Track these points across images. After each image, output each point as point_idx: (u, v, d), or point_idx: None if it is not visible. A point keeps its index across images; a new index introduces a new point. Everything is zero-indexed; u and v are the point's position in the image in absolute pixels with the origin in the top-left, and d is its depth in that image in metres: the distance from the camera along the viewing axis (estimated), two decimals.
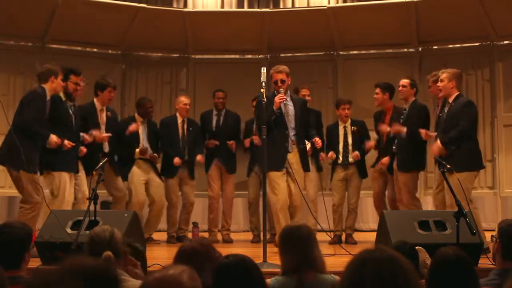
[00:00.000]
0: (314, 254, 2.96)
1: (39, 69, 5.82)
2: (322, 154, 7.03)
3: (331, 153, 7.03)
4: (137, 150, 7.02)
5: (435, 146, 5.97)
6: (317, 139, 5.91)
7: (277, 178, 5.90)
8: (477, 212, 5.66)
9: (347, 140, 7.11)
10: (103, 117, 6.69)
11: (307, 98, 6.92)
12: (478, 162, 5.89)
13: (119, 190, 6.76)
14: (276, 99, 5.78)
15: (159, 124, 7.42)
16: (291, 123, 5.90)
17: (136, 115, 7.22)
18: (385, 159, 6.68)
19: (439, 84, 5.95)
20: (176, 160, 7.15)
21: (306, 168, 6.15)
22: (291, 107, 5.94)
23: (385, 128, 6.59)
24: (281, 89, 5.72)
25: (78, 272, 1.47)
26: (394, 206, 6.74)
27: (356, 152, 7.02)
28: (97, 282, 1.50)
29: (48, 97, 5.68)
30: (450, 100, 5.85)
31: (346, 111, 7.11)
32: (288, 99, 5.94)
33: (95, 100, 6.66)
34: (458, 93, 5.86)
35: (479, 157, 5.93)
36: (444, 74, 5.88)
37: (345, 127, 7.16)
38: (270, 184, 5.89)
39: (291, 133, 5.92)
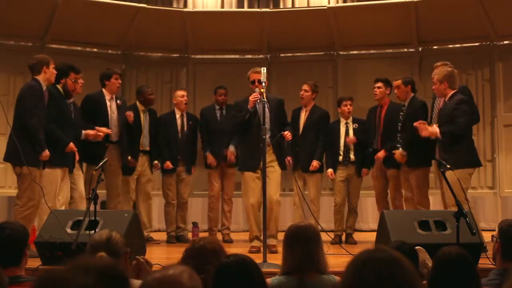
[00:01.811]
0: (318, 254, 2.97)
1: (30, 61, 5.78)
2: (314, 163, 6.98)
3: (330, 171, 7.05)
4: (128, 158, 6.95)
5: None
6: (287, 132, 5.95)
7: (251, 181, 6.08)
8: (473, 212, 5.64)
9: (348, 137, 7.10)
10: (113, 105, 6.72)
11: (302, 93, 7.01)
12: (472, 160, 5.84)
13: (115, 188, 6.77)
14: (251, 98, 5.91)
15: (158, 122, 7.40)
16: (267, 124, 5.96)
17: (137, 103, 7.21)
18: (380, 153, 6.67)
19: (433, 87, 5.98)
20: (167, 164, 7.15)
21: (283, 167, 6.25)
22: (267, 108, 6.03)
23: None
24: (257, 89, 5.74)
25: (90, 270, 1.47)
26: (395, 206, 6.74)
27: (366, 170, 7.05)
28: (110, 280, 1.50)
29: (44, 88, 5.68)
30: (446, 99, 5.86)
31: (348, 106, 7.12)
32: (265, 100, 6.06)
33: (103, 90, 6.70)
34: (453, 91, 5.84)
35: (474, 155, 5.89)
36: (435, 77, 5.90)
37: (346, 124, 7.15)
38: (245, 185, 6.16)
39: (267, 134, 5.98)
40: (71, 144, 5.80)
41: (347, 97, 7.26)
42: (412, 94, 6.58)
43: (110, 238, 2.87)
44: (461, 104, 5.76)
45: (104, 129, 6.36)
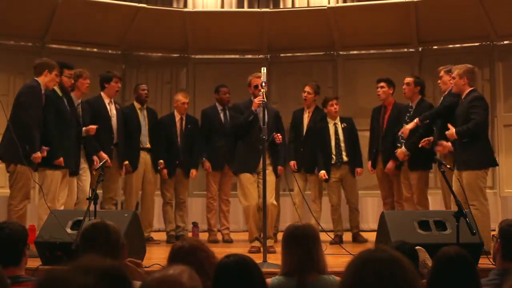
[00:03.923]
0: (318, 255, 2.94)
1: (35, 61, 5.81)
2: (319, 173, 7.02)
3: (322, 173, 6.97)
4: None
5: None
6: (278, 134, 5.92)
7: (249, 184, 6.07)
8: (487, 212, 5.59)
9: (338, 137, 7.07)
10: (112, 109, 6.75)
11: (305, 95, 7.04)
12: (488, 160, 5.75)
13: (111, 190, 6.77)
14: (256, 100, 5.91)
15: (158, 123, 7.39)
16: (265, 130, 5.94)
17: (134, 103, 7.21)
18: (390, 165, 6.67)
19: (452, 81, 5.93)
20: (164, 173, 7.15)
21: (276, 173, 6.26)
22: (266, 115, 6.03)
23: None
24: (261, 92, 5.72)
25: (91, 270, 1.46)
26: (399, 207, 6.74)
27: (360, 170, 7.01)
28: (111, 281, 1.49)
29: (43, 91, 5.68)
30: (463, 96, 5.80)
31: (335, 106, 7.08)
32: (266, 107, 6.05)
33: (102, 93, 6.72)
34: (470, 89, 5.77)
35: (490, 154, 5.81)
36: (455, 71, 5.85)
37: (335, 124, 7.12)
38: (242, 188, 6.11)
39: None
40: (60, 159, 5.77)
41: (333, 96, 7.24)
42: (420, 96, 6.57)
43: (108, 231, 2.83)
44: (477, 101, 5.68)
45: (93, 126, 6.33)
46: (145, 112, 7.19)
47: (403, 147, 6.45)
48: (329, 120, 7.13)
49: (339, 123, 7.12)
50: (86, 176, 6.23)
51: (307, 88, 7.09)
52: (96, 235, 2.83)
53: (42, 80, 5.66)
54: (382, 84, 6.87)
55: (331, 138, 7.07)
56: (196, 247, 2.61)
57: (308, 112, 7.13)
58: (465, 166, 5.49)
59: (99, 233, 2.83)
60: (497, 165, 6.09)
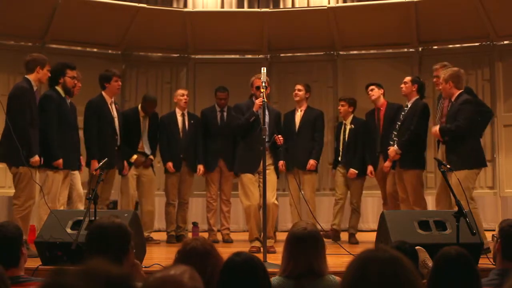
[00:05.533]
0: (320, 260, 2.87)
1: (26, 58, 5.76)
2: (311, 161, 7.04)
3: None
4: (134, 157, 7.02)
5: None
6: (279, 136, 5.92)
7: (250, 184, 6.09)
8: (477, 212, 5.65)
9: (345, 137, 7.14)
10: (114, 110, 6.69)
11: (296, 92, 7.06)
12: (479, 160, 5.84)
13: (107, 191, 6.74)
14: (257, 101, 5.95)
15: (159, 123, 7.40)
16: (265, 130, 5.95)
17: (139, 109, 7.20)
18: (387, 164, 6.68)
19: (440, 87, 5.99)
20: (169, 165, 7.15)
21: (278, 173, 6.30)
22: (267, 116, 6.03)
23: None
24: (261, 92, 5.71)
25: (97, 278, 1.45)
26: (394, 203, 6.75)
27: (352, 170, 7.02)
28: None
29: (35, 88, 5.65)
30: (453, 99, 5.86)
31: (340, 107, 7.19)
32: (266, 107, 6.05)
33: (103, 93, 6.63)
34: (459, 91, 5.85)
35: (480, 155, 5.89)
36: (441, 76, 5.91)
37: (344, 124, 7.20)
38: (243, 188, 6.13)
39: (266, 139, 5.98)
40: (60, 161, 5.76)
41: (342, 97, 7.34)
42: (417, 96, 6.58)
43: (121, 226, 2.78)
44: (464, 105, 5.76)
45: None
46: (147, 121, 7.18)
47: (395, 145, 6.47)
48: (341, 119, 7.31)
49: (348, 123, 7.16)
50: (76, 174, 6.20)
51: (297, 86, 7.14)
52: (107, 235, 2.73)
53: (34, 77, 5.63)
54: (372, 87, 7.00)
55: (340, 138, 7.20)
56: (208, 251, 2.61)
57: (300, 111, 7.13)
58: (454, 166, 5.50)
59: (109, 233, 2.73)
60: (486, 165, 6.12)
